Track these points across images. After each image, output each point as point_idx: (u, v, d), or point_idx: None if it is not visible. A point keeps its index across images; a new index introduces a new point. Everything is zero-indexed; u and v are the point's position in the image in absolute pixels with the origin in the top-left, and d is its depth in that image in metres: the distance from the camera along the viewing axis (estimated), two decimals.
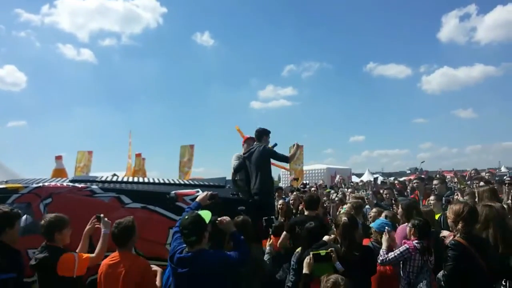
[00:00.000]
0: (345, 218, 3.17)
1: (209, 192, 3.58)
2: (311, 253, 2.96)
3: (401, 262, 3.40)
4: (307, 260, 2.95)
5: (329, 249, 2.96)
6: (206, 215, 2.72)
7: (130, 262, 2.88)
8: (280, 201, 6.12)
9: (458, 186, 6.42)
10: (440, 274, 3.10)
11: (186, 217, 2.66)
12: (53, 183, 3.97)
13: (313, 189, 10.56)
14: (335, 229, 3.34)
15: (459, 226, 2.88)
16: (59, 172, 8.24)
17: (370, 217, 4.50)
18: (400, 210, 4.15)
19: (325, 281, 2.57)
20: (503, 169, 32.04)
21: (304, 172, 16.46)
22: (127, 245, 2.96)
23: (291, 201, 6.03)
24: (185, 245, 2.64)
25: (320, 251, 2.95)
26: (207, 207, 3.80)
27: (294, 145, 4.98)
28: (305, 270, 2.93)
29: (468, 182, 6.97)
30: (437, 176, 7.79)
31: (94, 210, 3.75)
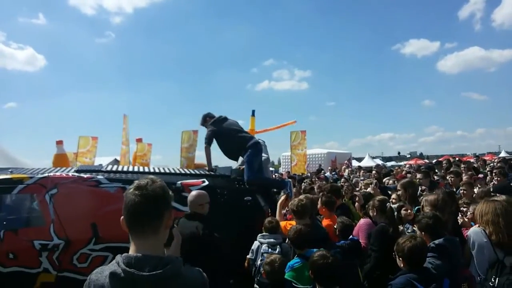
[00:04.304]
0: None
1: None
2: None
3: None
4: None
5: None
6: None
7: None
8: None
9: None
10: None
11: None
12: (58, 173, 3.94)
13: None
14: None
15: None
16: (61, 157, 8.15)
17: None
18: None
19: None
20: (502, 153, 32.13)
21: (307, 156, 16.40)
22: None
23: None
24: None
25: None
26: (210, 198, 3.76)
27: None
28: None
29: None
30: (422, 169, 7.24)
31: (100, 201, 3.77)
